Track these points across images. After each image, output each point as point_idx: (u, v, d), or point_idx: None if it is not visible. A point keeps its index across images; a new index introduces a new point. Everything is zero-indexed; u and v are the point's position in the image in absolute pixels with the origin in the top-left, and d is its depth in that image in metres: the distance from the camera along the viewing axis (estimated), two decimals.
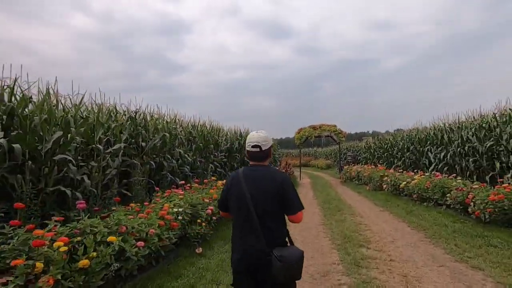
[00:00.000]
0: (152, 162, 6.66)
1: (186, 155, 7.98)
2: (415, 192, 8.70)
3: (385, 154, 16.36)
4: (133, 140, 6.60)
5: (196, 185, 6.77)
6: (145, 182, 6.27)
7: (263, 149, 2.06)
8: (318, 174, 24.13)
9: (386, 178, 11.00)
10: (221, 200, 2.19)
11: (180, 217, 4.62)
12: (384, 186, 10.63)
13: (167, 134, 7.42)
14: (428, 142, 12.34)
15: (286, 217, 2.04)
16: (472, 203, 6.30)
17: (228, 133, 13.02)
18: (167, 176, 7.04)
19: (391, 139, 16.39)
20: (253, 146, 2.06)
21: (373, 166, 15.23)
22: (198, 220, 5.10)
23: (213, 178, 7.75)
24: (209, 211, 5.31)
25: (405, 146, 14.03)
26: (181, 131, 8.76)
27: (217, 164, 10.21)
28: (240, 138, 13.64)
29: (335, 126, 19.03)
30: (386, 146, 16.65)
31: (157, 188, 5.73)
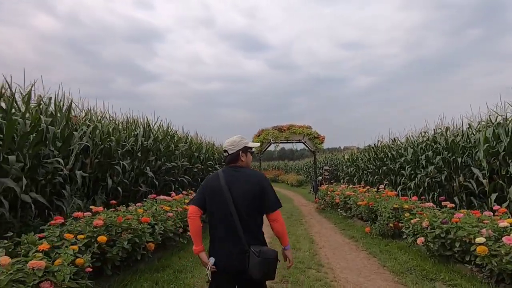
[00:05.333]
0: None
1: None
2: None
3: (384, 169, 10.90)
4: None
5: None
6: None
7: (229, 153, 2.20)
8: (286, 194, 18.37)
9: (411, 218, 5.38)
10: (198, 197, 2.17)
11: None
12: (421, 240, 4.86)
13: None
14: (469, 147, 7.03)
15: (264, 219, 2.15)
16: None
17: (103, 123, 6.87)
18: None
19: (391, 145, 11.04)
20: (224, 151, 2.25)
21: (367, 187, 9.72)
22: None
23: None
24: None
25: (420, 156, 8.62)
26: None
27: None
28: (148, 134, 7.57)
29: (309, 127, 13.48)
30: (383, 157, 11.25)
31: None
